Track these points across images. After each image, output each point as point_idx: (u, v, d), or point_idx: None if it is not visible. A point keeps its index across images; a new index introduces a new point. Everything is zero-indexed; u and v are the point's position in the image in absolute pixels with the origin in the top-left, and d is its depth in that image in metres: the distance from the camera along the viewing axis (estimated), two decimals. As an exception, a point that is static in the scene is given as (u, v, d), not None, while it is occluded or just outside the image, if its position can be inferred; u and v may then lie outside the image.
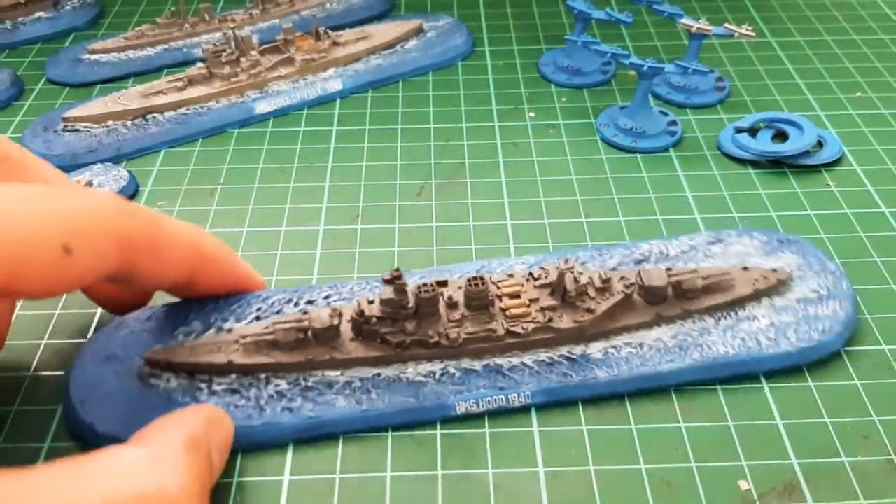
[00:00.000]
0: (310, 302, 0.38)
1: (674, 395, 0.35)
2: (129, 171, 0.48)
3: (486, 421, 0.35)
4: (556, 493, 0.32)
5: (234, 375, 0.35)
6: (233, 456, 0.33)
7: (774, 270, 0.39)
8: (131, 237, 0.30)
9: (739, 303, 0.38)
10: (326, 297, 0.38)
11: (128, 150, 0.50)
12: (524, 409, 0.35)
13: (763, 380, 0.36)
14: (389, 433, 0.34)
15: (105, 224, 0.28)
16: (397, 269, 0.35)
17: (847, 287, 0.38)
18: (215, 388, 0.34)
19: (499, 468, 0.33)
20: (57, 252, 0.26)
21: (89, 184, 0.46)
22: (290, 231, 0.44)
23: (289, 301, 0.38)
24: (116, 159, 0.49)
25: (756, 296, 0.38)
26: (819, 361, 0.36)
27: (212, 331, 0.36)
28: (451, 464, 0.33)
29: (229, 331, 0.36)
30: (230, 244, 0.42)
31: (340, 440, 0.34)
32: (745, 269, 0.39)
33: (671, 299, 0.37)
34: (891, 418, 0.34)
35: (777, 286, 0.38)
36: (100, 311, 0.40)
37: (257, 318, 0.37)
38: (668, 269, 0.38)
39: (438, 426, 0.34)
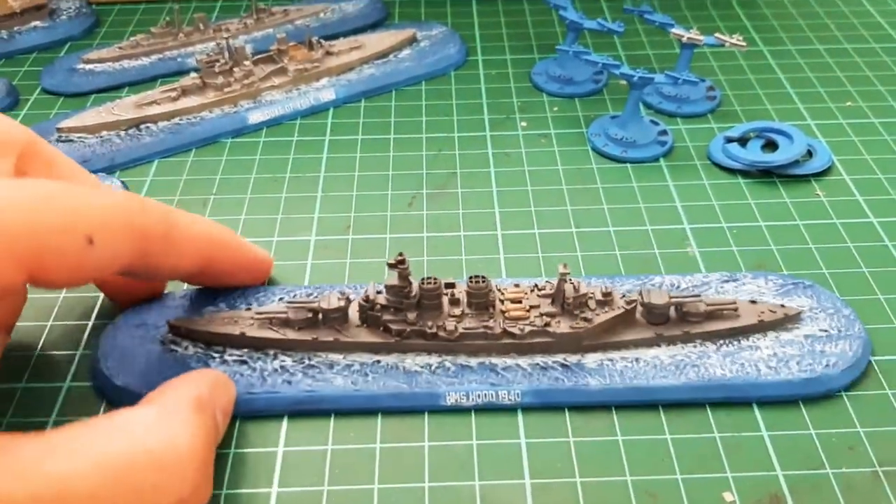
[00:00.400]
0: None
1: (661, 408, 0.35)
2: (123, 182, 0.48)
3: (475, 432, 0.35)
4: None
5: (246, 349, 0.37)
6: (232, 422, 0.35)
7: (783, 306, 0.38)
8: (147, 232, 0.32)
9: (743, 332, 0.37)
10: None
11: (121, 161, 0.50)
12: (512, 411, 0.35)
13: (757, 412, 0.35)
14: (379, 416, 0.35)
15: (124, 219, 0.30)
16: (401, 254, 0.36)
17: (860, 330, 0.38)
18: (227, 357, 0.37)
19: (485, 480, 0.33)
20: (81, 242, 0.28)
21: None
22: (282, 241, 0.45)
23: (309, 295, 0.40)
24: (110, 169, 0.50)
25: (761, 327, 0.38)
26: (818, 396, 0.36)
27: (234, 312, 0.39)
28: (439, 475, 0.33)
29: (248, 309, 0.39)
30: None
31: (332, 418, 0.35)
32: (753, 302, 0.38)
33: (673, 320, 0.37)
34: (875, 430, 0.34)
35: (784, 321, 0.38)
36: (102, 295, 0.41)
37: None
38: (672, 294, 0.38)
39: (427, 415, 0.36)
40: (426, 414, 0.35)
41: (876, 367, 0.37)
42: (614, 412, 0.35)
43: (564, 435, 0.34)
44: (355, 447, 0.34)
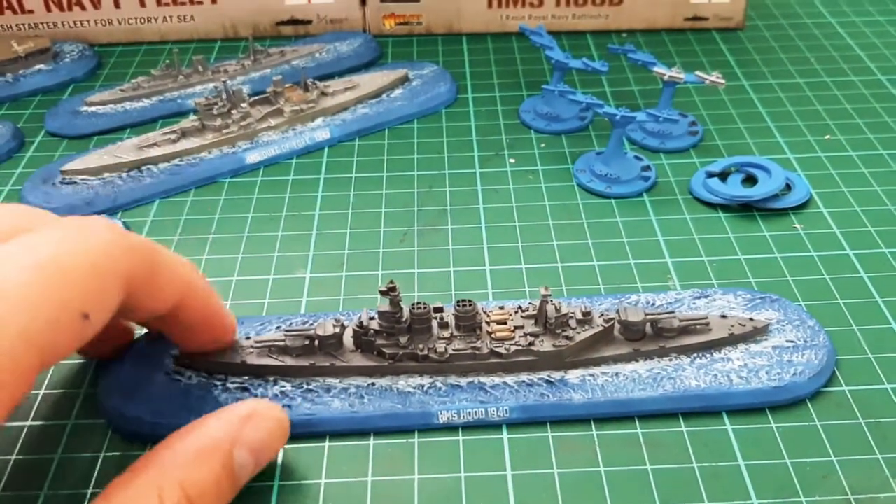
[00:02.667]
0: None
1: (641, 439, 0.37)
2: (125, 223, 0.50)
3: (462, 465, 0.36)
4: (527, 535, 0.33)
5: (246, 377, 0.39)
6: None
7: (752, 319, 0.41)
8: (134, 272, 0.31)
9: (715, 345, 0.40)
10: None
11: (123, 202, 0.52)
12: (498, 428, 0.37)
13: (727, 421, 0.37)
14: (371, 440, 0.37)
15: (113, 270, 0.30)
16: (392, 282, 0.38)
17: (824, 339, 0.40)
18: (229, 385, 0.39)
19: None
20: (78, 322, 0.29)
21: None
22: (278, 280, 0.46)
23: (304, 323, 0.42)
24: (112, 210, 0.51)
25: (732, 340, 0.40)
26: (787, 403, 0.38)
27: None
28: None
29: (247, 338, 0.40)
30: (220, 293, 0.44)
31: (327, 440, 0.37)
32: (724, 316, 0.41)
33: (649, 336, 0.40)
34: (849, 458, 0.36)
35: (753, 334, 0.40)
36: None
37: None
38: (647, 312, 0.40)
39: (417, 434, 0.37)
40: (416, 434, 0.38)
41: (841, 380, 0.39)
42: (596, 443, 0.37)
43: (549, 467, 0.36)
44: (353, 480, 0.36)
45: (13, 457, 0.37)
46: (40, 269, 0.28)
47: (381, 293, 0.38)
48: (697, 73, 0.55)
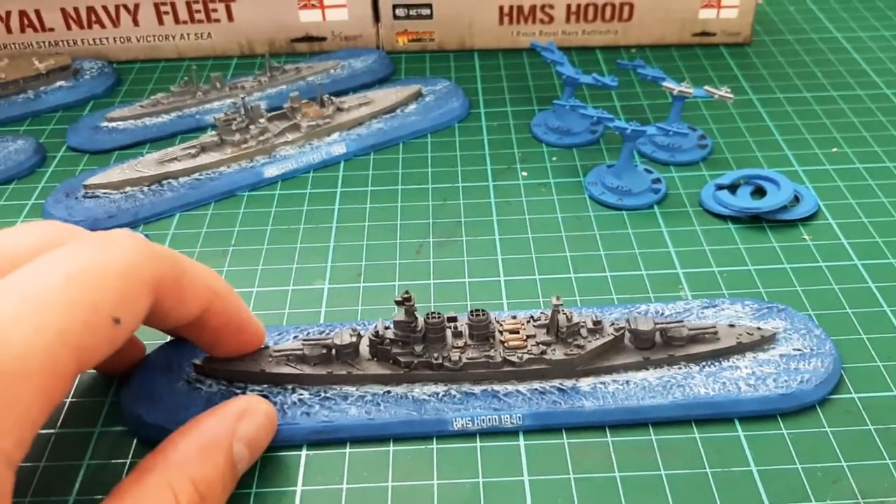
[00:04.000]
0: None
1: (655, 444, 0.38)
2: (147, 236, 0.51)
3: (480, 471, 0.37)
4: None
5: (266, 385, 0.40)
6: None
7: (759, 328, 0.41)
8: (160, 279, 0.33)
9: (723, 354, 0.41)
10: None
11: (145, 215, 0.53)
12: (514, 434, 0.38)
13: (739, 427, 0.38)
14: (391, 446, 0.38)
15: (140, 277, 0.32)
16: (407, 292, 0.39)
17: (830, 347, 0.41)
18: (248, 393, 0.40)
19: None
20: (110, 327, 0.30)
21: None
22: (297, 290, 0.47)
23: (321, 333, 0.43)
24: (134, 224, 0.52)
25: (740, 349, 0.41)
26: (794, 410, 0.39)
27: None
28: (446, 511, 0.36)
29: (266, 347, 0.41)
30: (240, 305, 0.46)
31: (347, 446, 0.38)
32: (732, 325, 0.42)
33: (659, 345, 0.41)
34: (858, 463, 0.37)
35: (761, 342, 0.41)
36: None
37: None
38: (657, 321, 0.41)
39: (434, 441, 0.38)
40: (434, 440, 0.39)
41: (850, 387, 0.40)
42: (611, 449, 0.38)
43: (565, 472, 0.37)
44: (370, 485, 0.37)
45: (42, 463, 0.38)
46: (74, 276, 0.30)
47: (397, 303, 0.39)
48: (706, 87, 0.56)
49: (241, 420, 0.35)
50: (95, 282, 0.30)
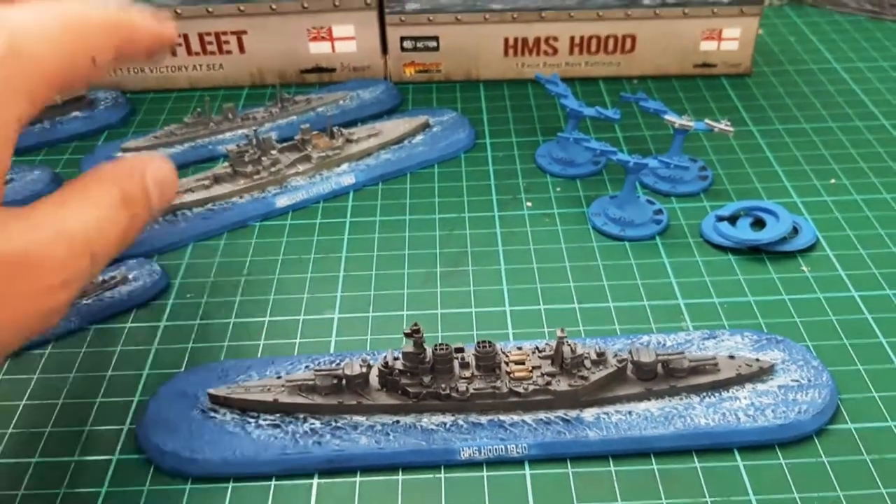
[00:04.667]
0: None
1: (657, 473, 0.39)
2: (162, 266, 0.52)
3: (487, 500, 0.38)
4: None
5: (278, 414, 0.41)
6: (267, 480, 0.39)
7: (758, 360, 0.43)
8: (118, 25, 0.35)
9: (723, 385, 0.42)
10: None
11: (160, 245, 0.54)
12: (520, 463, 0.40)
13: (738, 457, 0.39)
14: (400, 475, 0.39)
15: (106, 27, 0.34)
16: (415, 324, 0.41)
17: (827, 379, 0.42)
18: (261, 422, 0.41)
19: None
20: (89, 65, 0.34)
21: (125, 279, 0.50)
22: (308, 320, 0.49)
23: (332, 363, 0.44)
24: (149, 253, 0.54)
25: (739, 380, 0.42)
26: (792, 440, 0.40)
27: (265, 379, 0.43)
28: (454, 539, 0.37)
29: (278, 377, 0.43)
30: (253, 333, 0.47)
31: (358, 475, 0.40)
32: (731, 357, 0.43)
33: (660, 376, 0.42)
34: (855, 493, 0.38)
35: (759, 373, 0.42)
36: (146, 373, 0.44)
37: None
38: (658, 352, 0.42)
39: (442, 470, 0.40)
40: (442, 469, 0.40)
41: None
42: (615, 480, 0.39)
43: (570, 499, 0.38)
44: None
45: (62, 490, 0.39)
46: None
47: (406, 335, 0.41)
48: (707, 121, 0.58)
49: (151, 164, 0.37)
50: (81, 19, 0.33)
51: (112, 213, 0.34)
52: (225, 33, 0.70)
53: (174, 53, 0.71)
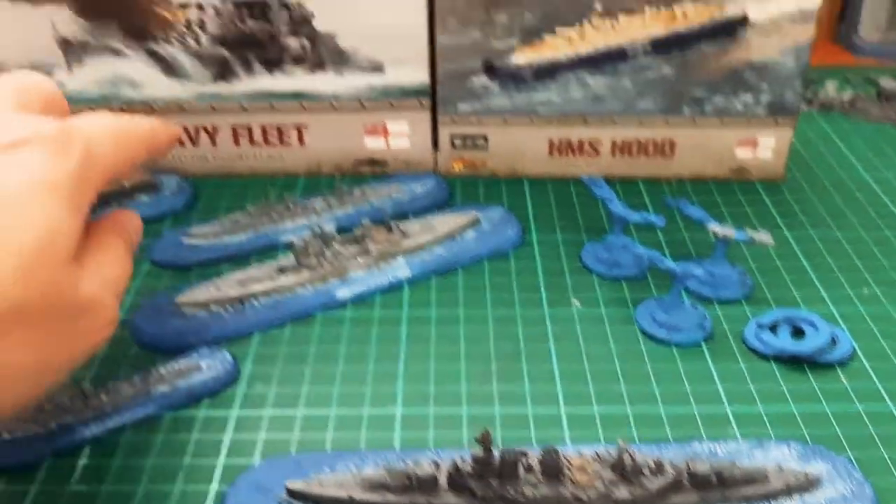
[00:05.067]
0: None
1: (712, 581, 0.41)
2: (232, 355, 0.55)
3: None
4: None
5: None
6: None
7: (805, 472, 0.45)
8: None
9: (773, 495, 0.44)
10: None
11: (228, 334, 0.57)
12: None
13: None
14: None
15: (142, 135, 0.45)
16: (486, 431, 0.43)
17: (869, 492, 0.44)
18: None
19: None
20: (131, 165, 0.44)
21: (197, 367, 0.53)
22: (371, 414, 0.51)
23: (400, 460, 0.46)
24: (217, 341, 0.57)
25: (788, 491, 0.44)
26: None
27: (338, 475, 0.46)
28: None
29: (351, 473, 0.45)
30: (318, 428, 0.50)
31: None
32: (780, 468, 0.45)
33: (714, 486, 0.44)
34: None
35: (807, 485, 0.45)
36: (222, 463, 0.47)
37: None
38: (712, 462, 0.44)
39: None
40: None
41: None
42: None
43: None
44: None
45: (147, 576, 0.41)
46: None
47: (477, 441, 0.43)
48: (748, 231, 0.61)
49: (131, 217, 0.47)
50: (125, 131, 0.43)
51: (126, 260, 0.42)
52: (286, 126, 0.75)
53: (237, 143, 0.75)
